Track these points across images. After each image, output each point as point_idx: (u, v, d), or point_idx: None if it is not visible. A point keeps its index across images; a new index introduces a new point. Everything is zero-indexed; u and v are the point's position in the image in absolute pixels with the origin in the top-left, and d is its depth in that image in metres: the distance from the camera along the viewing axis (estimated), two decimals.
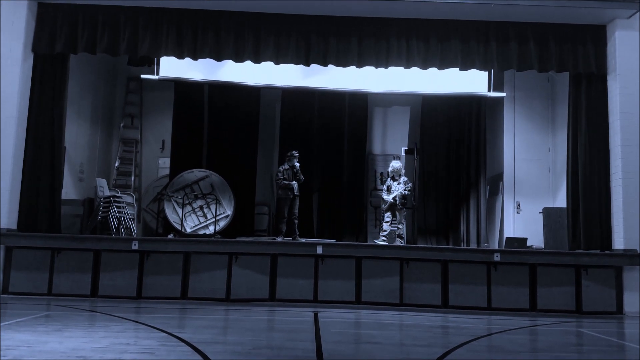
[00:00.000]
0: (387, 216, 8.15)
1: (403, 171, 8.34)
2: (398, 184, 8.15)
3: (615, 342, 5.11)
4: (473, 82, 8.98)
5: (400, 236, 8.12)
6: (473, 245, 9.38)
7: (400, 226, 8.17)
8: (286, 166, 8.29)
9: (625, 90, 7.21)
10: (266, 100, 10.18)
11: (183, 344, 4.13)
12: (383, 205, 8.27)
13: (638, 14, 7.17)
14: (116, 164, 10.25)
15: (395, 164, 8.30)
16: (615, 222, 7.17)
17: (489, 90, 9.15)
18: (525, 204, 9.39)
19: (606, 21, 7.42)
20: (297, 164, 8.24)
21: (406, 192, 8.11)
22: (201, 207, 9.12)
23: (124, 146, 10.35)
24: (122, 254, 6.91)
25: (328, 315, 6.06)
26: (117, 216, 8.47)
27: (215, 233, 8.74)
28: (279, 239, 7.91)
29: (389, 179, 8.36)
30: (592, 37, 7.46)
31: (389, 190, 8.22)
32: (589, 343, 5.05)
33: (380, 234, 8.18)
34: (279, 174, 8.26)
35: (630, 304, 6.89)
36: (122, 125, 10.43)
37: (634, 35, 7.26)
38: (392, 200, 8.07)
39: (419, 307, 6.85)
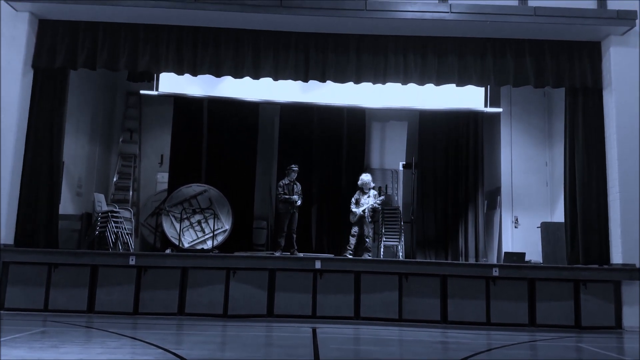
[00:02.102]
0: (355, 230, 8.21)
1: (372, 185, 8.41)
2: (367, 197, 8.20)
3: (615, 357, 5.08)
4: (470, 97, 9.04)
5: (367, 249, 8.14)
6: (471, 260, 9.36)
7: (367, 240, 8.21)
8: (286, 181, 8.32)
9: (621, 104, 7.27)
10: (265, 115, 10.23)
11: None
12: (352, 218, 8.29)
13: (631, 30, 7.27)
14: (114, 179, 10.26)
15: (365, 178, 8.40)
16: (613, 236, 7.17)
17: (486, 105, 9.22)
18: (523, 218, 9.41)
19: (601, 37, 7.52)
20: (299, 186, 8.29)
21: (377, 204, 8.18)
22: (199, 222, 9.11)
23: (123, 161, 10.37)
24: (119, 269, 6.87)
25: (326, 330, 6.02)
26: (114, 231, 8.45)
27: (213, 248, 8.72)
28: (277, 254, 7.90)
29: (357, 192, 8.39)
30: (588, 53, 7.54)
31: (357, 203, 8.28)
32: (589, 358, 5.02)
33: (347, 247, 8.20)
34: (279, 189, 8.28)
35: (629, 318, 6.86)
36: (121, 140, 10.46)
37: (628, 51, 7.35)
38: (361, 213, 8.10)
39: (418, 322, 6.82)
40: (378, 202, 8.29)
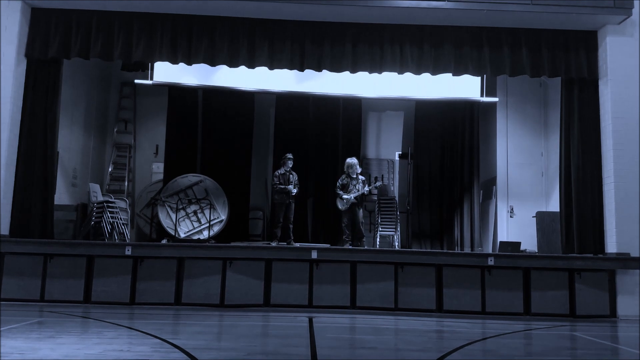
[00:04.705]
0: (346, 220, 8.04)
1: (359, 169, 8.26)
2: (357, 183, 8.12)
3: (609, 346, 5.14)
4: (466, 87, 9.01)
5: (361, 236, 8.02)
6: (467, 250, 9.41)
7: (361, 227, 8.10)
8: (282, 170, 8.28)
9: (616, 95, 7.27)
10: (260, 105, 10.20)
11: (177, 350, 4.11)
12: (344, 206, 8.04)
13: (628, 19, 7.25)
14: (109, 169, 10.22)
15: (351, 161, 8.22)
16: (608, 226, 7.21)
17: (482, 95, 9.20)
18: (519, 208, 9.44)
19: (597, 27, 7.50)
20: (295, 175, 8.21)
21: (366, 191, 8.10)
22: (195, 212, 9.10)
23: (118, 151, 10.32)
24: (116, 259, 6.87)
25: (323, 320, 6.05)
26: (110, 221, 8.42)
27: (209, 238, 8.71)
28: (274, 244, 7.90)
29: (343, 176, 8.20)
30: (584, 43, 7.53)
31: (344, 188, 8.08)
32: (583, 347, 5.07)
33: (345, 238, 8.06)
34: (275, 179, 8.25)
35: (623, 307, 6.92)
36: (115, 130, 10.40)
37: (624, 40, 7.34)
38: (353, 200, 8.03)
39: (413, 311, 6.86)
40: (367, 189, 8.19)
